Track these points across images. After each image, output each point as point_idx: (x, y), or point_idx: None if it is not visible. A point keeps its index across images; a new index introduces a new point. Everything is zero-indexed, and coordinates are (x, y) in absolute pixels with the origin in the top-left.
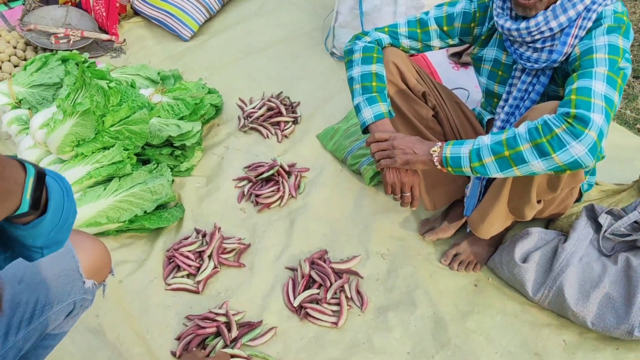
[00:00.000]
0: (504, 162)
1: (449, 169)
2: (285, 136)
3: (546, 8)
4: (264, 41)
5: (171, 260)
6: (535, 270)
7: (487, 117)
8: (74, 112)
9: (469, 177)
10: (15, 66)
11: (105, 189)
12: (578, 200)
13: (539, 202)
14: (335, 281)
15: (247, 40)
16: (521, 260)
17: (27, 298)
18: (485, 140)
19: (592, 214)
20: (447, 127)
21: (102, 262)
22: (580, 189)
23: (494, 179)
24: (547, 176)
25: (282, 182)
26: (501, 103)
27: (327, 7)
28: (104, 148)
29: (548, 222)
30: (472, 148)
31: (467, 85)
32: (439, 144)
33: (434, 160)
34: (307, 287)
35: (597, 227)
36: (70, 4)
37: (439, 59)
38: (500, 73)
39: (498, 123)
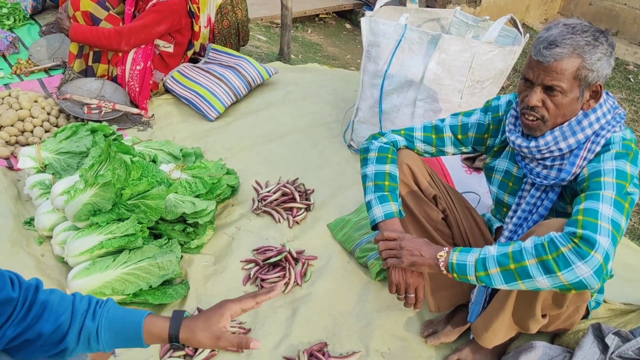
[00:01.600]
0: (509, 274)
1: (455, 275)
2: (297, 222)
3: (552, 128)
4: (285, 128)
5: None
6: None
7: (497, 224)
8: (95, 183)
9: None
10: (46, 131)
11: (114, 260)
12: (585, 317)
13: (544, 316)
14: None
15: (269, 126)
16: None
17: None
18: (492, 250)
19: (599, 334)
20: (456, 231)
21: None
22: (587, 306)
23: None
24: (552, 292)
25: (289, 268)
26: (510, 213)
27: (348, 101)
28: (119, 219)
29: (553, 337)
30: (479, 257)
31: (478, 189)
32: (446, 249)
33: (440, 265)
34: None
35: (604, 347)
36: (106, 77)
37: (452, 161)
38: (510, 184)
39: (506, 233)
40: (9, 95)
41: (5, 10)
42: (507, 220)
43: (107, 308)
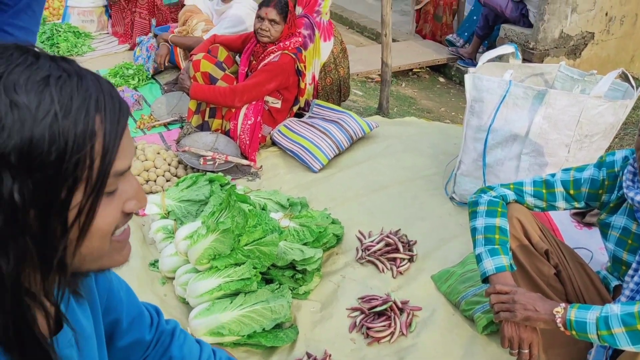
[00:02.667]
0: (637, 335)
1: (573, 332)
2: (400, 272)
3: None
4: (387, 180)
5: None
6: None
7: (614, 282)
8: (216, 229)
9: (591, 342)
10: (167, 181)
11: (231, 302)
12: None
13: None
14: None
15: (371, 177)
16: None
17: None
18: (615, 309)
19: None
20: (570, 287)
21: None
22: None
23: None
24: None
25: (394, 318)
26: (630, 272)
27: (448, 154)
28: (236, 264)
29: None
30: (600, 315)
31: (590, 245)
32: (563, 305)
33: (557, 321)
34: None
35: None
36: (220, 131)
37: (561, 216)
38: (629, 242)
39: (627, 292)
40: (136, 147)
41: (131, 72)
42: (627, 279)
43: None
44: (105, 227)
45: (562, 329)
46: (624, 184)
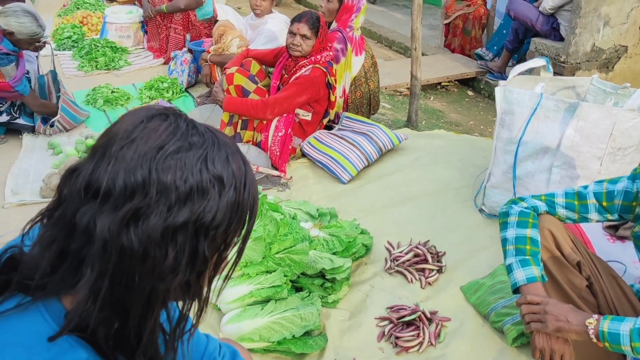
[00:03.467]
0: None
1: (606, 344)
2: (429, 283)
3: None
4: (415, 192)
5: None
6: None
7: None
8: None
9: (624, 356)
10: None
11: (262, 309)
12: None
13: None
14: None
15: (400, 189)
16: None
17: None
18: None
19: None
20: (602, 300)
21: None
22: None
23: None
24: None
25: (423, 328)
26: None
27: (478, 167)
28: (267, 272)
29: None
30: (634, 327)
31: (623, 259)
32: (596, 316)
33: (589, 333)
34: None
35: None
36: (251, 143)
37: (593, 229)
38: None
39: None
40: None
41: (165, 85)
42: None
43: None
44: None
45: (594, 340)
46: None
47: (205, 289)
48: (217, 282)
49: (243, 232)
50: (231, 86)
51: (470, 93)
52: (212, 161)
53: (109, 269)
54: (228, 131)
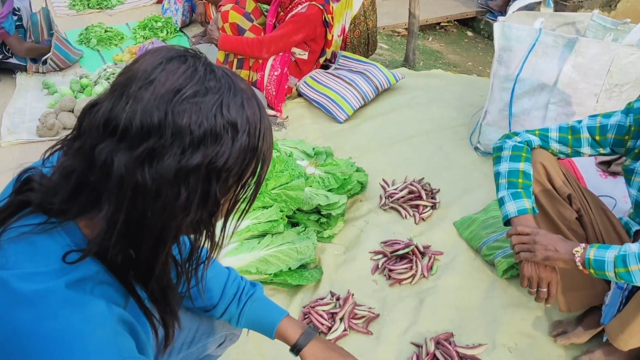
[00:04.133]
0: None
1: (591, 270)
2: (423, 219)
3: None
4: (411, 131)
5: (306, 316)
6: None
7: (635, 227)
8: None
9: (608, 285)
10: None
11: (259, 242)
12: None
13: None
14: None
15: (396, 128)
16: None
17: (190, 325)
18: (633, 248)
19: None
20: (591, 231)
21: None
22: None
23: (638, 289)
24: None
25: (416, 261)
26: None
27: (474, 105)
28: (264, 207)
29: None
30: (619, 254)
31: (614, 194)
32: (583, 245)
33: (576, 260)
34: None
35: None
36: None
37: (586, 165)
38: None
39: None
40: None
41: (159, 24)
42: None
43: (253, 300)
44: None
45: (580, 267)
46: None
47: (217, 228)
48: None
49: (256, 176)
50: (226, 24)
51: (469, 34)
52: (227, 107)
53: (124, 204)
54: None
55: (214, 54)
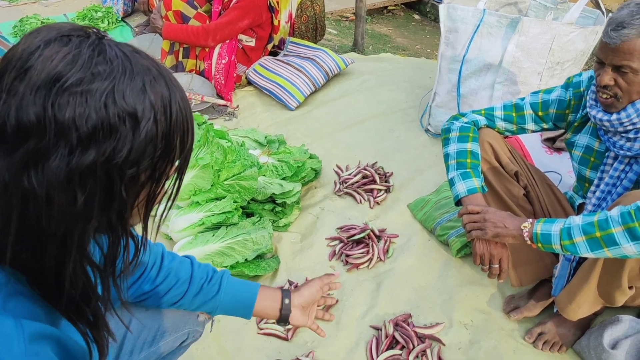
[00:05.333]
0: (595, 242)
1: (539, 244)
2: (378, 203)
3: (630, 103)
4: (363, 115)
5: None
6: (624, 359)
7: (579, 201)
8: (196, 165)
9: (557, 257)
10: None
11: (213, 235)
12: None
13: (630, 288)
14: (418, 345)
15: (347, 113)
16: (610, 347)
17: (151, 323)
18: (577, 220)
19: None
20: (538, 206)
21: None
22: None
23: (584, 260)
24: (639, 262)
25: (372, 245)
26: (592, 188)
27: (424, 87)
28: (217, 199)
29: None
30: (563, 227)
31: (559, 169)
32: (530, 220)
33: (524, 235)
34: (390, 347)
35: None
36: (194, 72)
37: (532, 143)
38: (592, 159)
39: (589, 207)
40: None
41: (100, 14)
42: (589, 195)
43: (226, 279)
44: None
45: (529, 242)
46: (587, 103)
47: (135, 225)
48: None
49: (177, 163)
50: (169, 12)
51: (416, 17)
52: (122, 94)
53: (13, 212)
54: (169, 60)
55: (159, 44)
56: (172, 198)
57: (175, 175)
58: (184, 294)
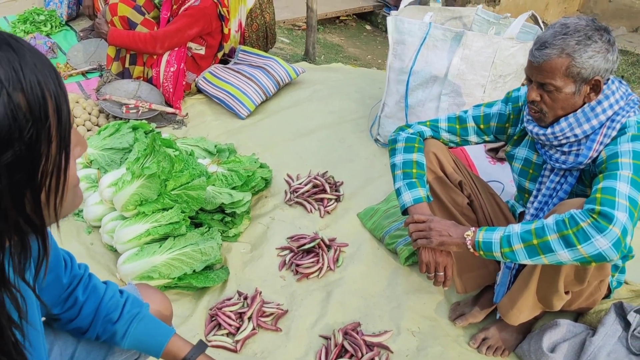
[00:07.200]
0: (533, 249)
1: (481, 252)
2: (328, 212)
3: (556, 120)
4: (314, 125)
5: (213, 319)
6: None
7: (520, 209)
8: (142, 174)
9: (499, 264)
10: (88, 130)
11: (160, 246)
12: (607, 297)
13: (566, 293)
14: (367, 353)
15: (298, 122)
16: (549, 350)
17: (101, 343)
18: (516, 228)
19: (621, 312)
20: (481, 215)
21: (168, 314)
22: (609, 285)
23: (524, 267)
24: (574, 267)
25: (322, 254)
26: (531, 199)
27: (374, 97)
28: (164, 209)
29: (577, 316)
30: (503, 235)
31: (502, 178)
32: (473, 228)
33: (467, 244)
34: (339, 356)
35: (626, 325)
36: (142, 79)
37: (476, 153)
38: (530, 171)
39: (528, 217)
40: None
41: (42, 17)
42: (528, 205)
43: (139, 319)
44: (75, 178)
45: (471, 250)
46: (524, 118)
47: (30, 221)
48: (110, 224)
49: (54, 140)
50: (115, 17)
51: (368, 27)
52: None
53: None
54: (116, 66)
55: (104, 49)
56: (62, 185)
57: (62, 157)
58: (87, 329)
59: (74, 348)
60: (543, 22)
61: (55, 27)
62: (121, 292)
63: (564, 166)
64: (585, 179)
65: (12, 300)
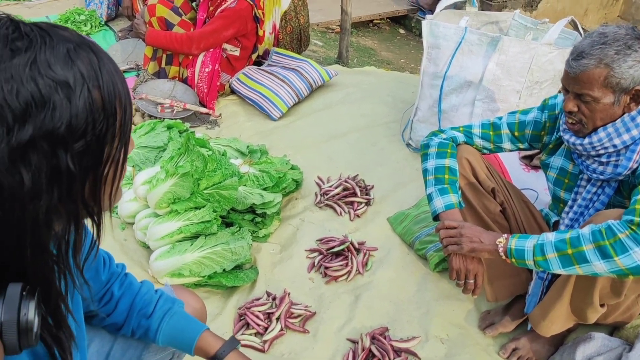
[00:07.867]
0: (567, 259)
1: (513, 260)
2: (358, 216)
3: (594, 130)
4: (346, 127)
5: (242, 318)
6: None
7: (554, 218)
8: (176, 173)
9: (532, 273)
10: None
11: (192, 244)
12: None
13: (602, 305)
14: (394, 358)
15: (330, 125)
16: None
17: (137, 341)
18: (550, 237)
19: None
20: (514, 223)
21: (202, 317)
22: None
23: (557, 277)
24: (610, 280)
25: (351, 257)
26: (566, 209)
27: (406, 102)
28: (196, 208)
29: (612, 330)
30: (537, 243)
31: (536, 186)
32: (505, 235)
33: (499, 250)
34: None
35: None
36: (177, 79)
37: (510, 160)
38: (566, 181)
39: (562, 227)
40: None
41: (83, 17)
42: (563, 215)
43: (171, 314)
44: (126, 172)
45: (503, 257)
46: (561, 127)
47: (88, 207)
48: (143, 221)
49: (117, 135)
50: (153, 18)
51: (402, 31)
52: (47, 64)
53: None
54: (152, 66)
55: (142, 49)
56: (118, 176)
57: (122, 152)
58: (122, 325)
59: (110, 345)
60: (582, 28)
61: (95, 27)
62: (156, 290)
63: (601, 177)
64: (624, 190)
65: (65, 283)
